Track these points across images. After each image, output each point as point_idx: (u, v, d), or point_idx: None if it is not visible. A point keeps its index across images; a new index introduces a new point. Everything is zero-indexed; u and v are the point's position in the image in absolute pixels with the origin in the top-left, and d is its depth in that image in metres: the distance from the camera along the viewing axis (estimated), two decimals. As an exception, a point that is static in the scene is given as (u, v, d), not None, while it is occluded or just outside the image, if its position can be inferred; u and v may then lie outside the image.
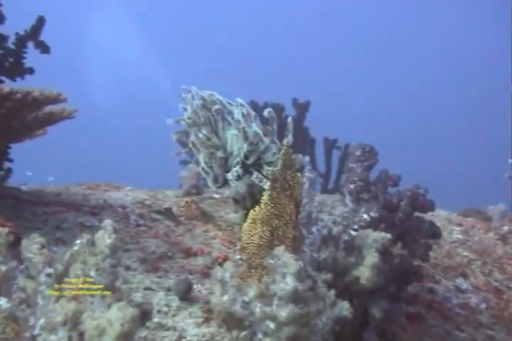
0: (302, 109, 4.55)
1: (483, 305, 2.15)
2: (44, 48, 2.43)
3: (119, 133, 19.96)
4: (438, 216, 2.91)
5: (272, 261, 1.33)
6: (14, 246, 1.29)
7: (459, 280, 2.30)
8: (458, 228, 2.87)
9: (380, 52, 23.17)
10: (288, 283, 1.23)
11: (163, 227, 1.86)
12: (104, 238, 1.17)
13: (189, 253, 1.76)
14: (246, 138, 1.91)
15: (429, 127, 20.49)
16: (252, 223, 1.92)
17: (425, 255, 1.88)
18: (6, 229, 1.27)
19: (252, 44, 23.57)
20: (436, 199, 1.85)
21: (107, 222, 1.19)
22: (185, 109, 2.10)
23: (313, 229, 1.59)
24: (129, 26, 21.23)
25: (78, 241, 1.17)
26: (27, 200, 1.80)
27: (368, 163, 1.85)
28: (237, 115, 1.95)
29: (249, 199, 2.09)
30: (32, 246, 1.26)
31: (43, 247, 1.23)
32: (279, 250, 1.32)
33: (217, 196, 2.43)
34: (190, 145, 2.04)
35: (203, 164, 2.02)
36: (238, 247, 1.90)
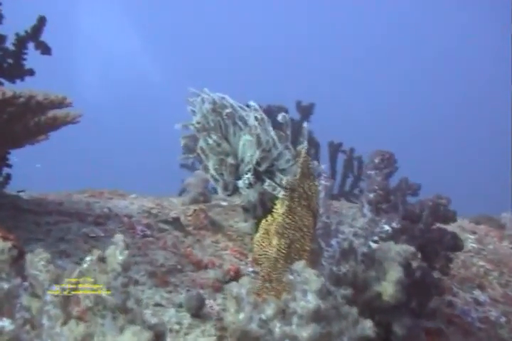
0: (306, 111, 4.49)
1: (503, 319, 2.08)
2: (45, 49, 2.36)
3: (111, 132, 19.85)
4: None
5: (291, 277, 1.27)
6: (17, 260, 1.23)
7: (477, 292, 2.23)
8: (472, 236, 2.80)
9: (379, 52, 23.16)
10: (310, 301, 1.16)
11: (171, 238, 1.79)
12: (116, 254, 1.10)
13: (199, 265, 1.69)
14: (259, 144, 1.84)
15: (429, 127, 20.45)
16: (264, 233, 1.85)
17: (446, 268, 1.82)
18: (9, 244, 1.20)
19: (250, 44, 23.51)
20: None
21: (119, 237, 1.12)
22: (193, 113, 2.03)
23: (333, 242, 1.52)
24: (122, 21, 21.11)
25: (88, 258, 1.09)
26: (28, 209, 1.73)
27: (387, 171, 1.78)
28: (251, 120, 1.87)
29: (260, 207, 2.02)
30: (37, 262, 1.19)
31: (49, 263, 1.17)
32: (299, 265, 1.26)
33: (224, 204, 2.37)
34: (199, 150, 1.97)
35: (212, 171, 1.95)
36: (250, 259, 1.83)
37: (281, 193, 1.85)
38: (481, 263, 2.52)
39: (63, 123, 1.64)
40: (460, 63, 22.38)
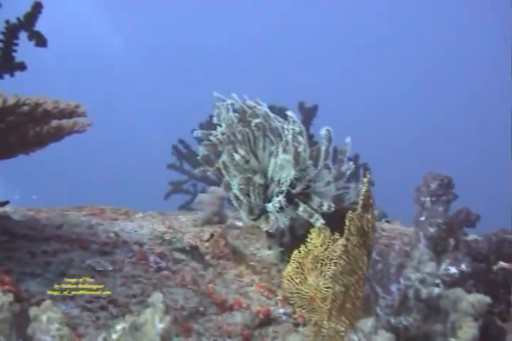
0: (309, 113, 4.29)
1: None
2: (39, 40, 2.12)
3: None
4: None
5: (355, 339, 1.07)
6: (18, 316, 1.01)
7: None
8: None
9: (379, 52, 23.09)
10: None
11: (189, 271, 1.57)
12: (155, 322, 0.88)
13: (224, 306, 1.48)
14: (297, 163, 1.63)
15: (430, 127, 20.40)
16: (297, 267, 1.65)
17: (506, 313, 1.62)
18: (10, 297, 0.98)
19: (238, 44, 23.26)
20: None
21: (157, 297, 0.91)
22: (217, 119, 1.81)
23: (393, 288, 1.31)
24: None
25: (119, 327, 0.87)
26: (21, 235, 1.50)
27: (446, 199, 1.58)
28: (288, 134, 1.66)
29: (289, 234, 1.81)
30: (48, 323, 0.97)
31: (63, 325, 0.95)
32: (368, 325, 1.06)
33: (240, 224, 2.15)
34: (221, 165, 1.75)
35: (236, 191, 1.73)
36: (280, 297, 1.62)
37: (319, 222, 1.65)
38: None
39: (69, 133, 1.41)
40: (460, 63, 22.39)
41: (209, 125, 4.09)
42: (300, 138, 1.66)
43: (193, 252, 1.66)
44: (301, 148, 1.62)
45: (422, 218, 1.63)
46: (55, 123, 1.35)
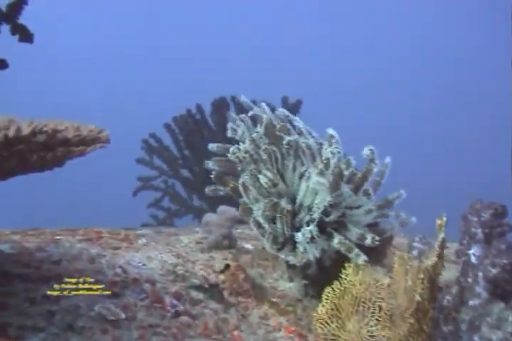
0: (293, 109, 4.12)
1: None
2: (24, 34, 1.89)
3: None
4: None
5: None
6: None
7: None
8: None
9: (378, 52, 23.09)
10: None
11: (210, 315, 1.40)
12: None
13: (254, 359, 1.31)
14: (335, 188, 1.46)
15: (429, 127, 20.47)
16: (332, 309, 1.49)
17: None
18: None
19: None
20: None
21: None
22: (232, 132, 1.63)
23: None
24: None
25: None
26: (16, 275, 1.29)
27: (501, 231, 1.44)
28: (325, 153, 1.49)
29: (315, 265, 1.64)
30: None
31: None
32: None
33: (249, 246, 1.97)
34: (241, 187, 1.58)
35: (259, 217, 1.56)
36: (313, 343, 1.46)
37: (361, 258, 1.49)
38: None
39: (78, 156, 1.21)
40: (459, 63, 22.57)
41: (184, 119, 3.90)
42: (335, 161, 1.49)
43: (212, 290, 1.48)
44: (347, 172, 1.46)
45: (472, 251, 1.49)
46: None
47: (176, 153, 3.90)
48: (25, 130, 0.91)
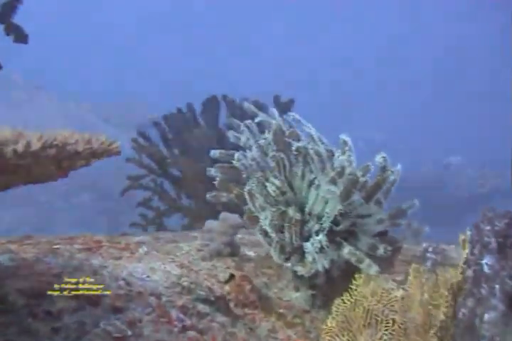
0: (285, 108, 4.08)
1: None
2: (18, 35, 1.83)
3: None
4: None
5: None
6: None
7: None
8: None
9: (378, 51, 23.19)
10: None
11: (218, 329, 1.36)
12: None
13: (265, 376, 1.27)
14: (347, 197, 1.43)
15: (429, 127, 20.50)
16: (342, 322, 1.46)
17: None
18: None
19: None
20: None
21: None
22: (234, 138, 1.59)
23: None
24: None
25: None
26: (17, 289, 1.24)
27: (515, 241, 1.41)
28: (339, 161, 1.45)
29: (324, 276, 1.61)
30: None
31: None
32: None
33: (251, 253, 1.93)
34: (247, 195, 1.54)
35: (266, 226, 1.52)
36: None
37: (373, 269, 1.46)
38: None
39: (84, 166, 1.17)
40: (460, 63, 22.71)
41: (175, 118, 3.85)
42: (347, 168, 1.46)
43: (218, 302, 1.44)
44: (363, 178, 1.42)
45: (485, 261, 1.46)
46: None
47: (165, 152, 3.86)
48: (35, 145, 0.86)
